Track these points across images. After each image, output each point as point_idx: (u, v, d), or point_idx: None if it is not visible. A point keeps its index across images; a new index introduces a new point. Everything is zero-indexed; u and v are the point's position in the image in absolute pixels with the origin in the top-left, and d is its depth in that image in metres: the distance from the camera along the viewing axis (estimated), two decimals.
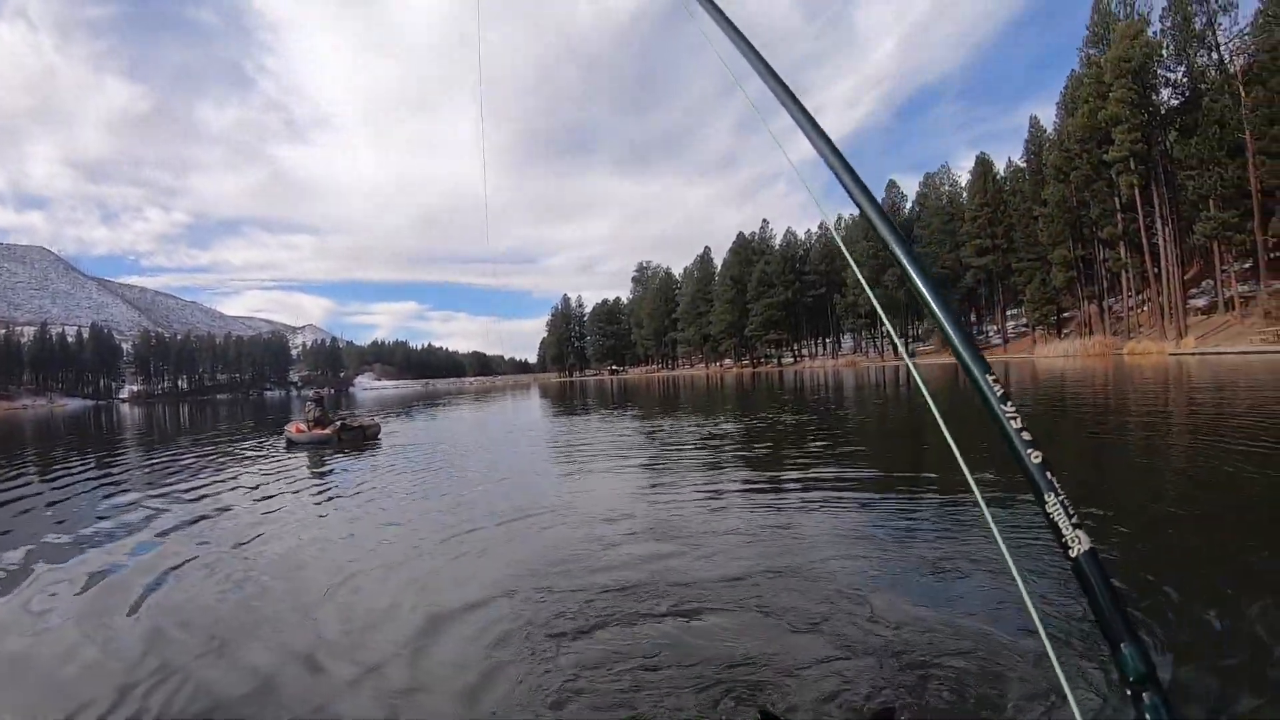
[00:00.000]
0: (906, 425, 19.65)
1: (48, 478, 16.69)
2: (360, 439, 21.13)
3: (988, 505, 1.48)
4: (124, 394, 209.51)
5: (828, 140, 1.73)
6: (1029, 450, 1.30)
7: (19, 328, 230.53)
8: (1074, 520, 1.25)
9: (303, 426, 21.31)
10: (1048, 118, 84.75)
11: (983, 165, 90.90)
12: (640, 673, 4.67)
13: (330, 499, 11.83)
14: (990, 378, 1.38)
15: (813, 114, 1.78)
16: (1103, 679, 3.75)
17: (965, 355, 1.42)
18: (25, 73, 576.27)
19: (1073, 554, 1.22)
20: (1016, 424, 1.33)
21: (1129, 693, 1.13)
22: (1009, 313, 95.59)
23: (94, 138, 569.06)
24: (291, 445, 20.62)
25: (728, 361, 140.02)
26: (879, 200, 1.65)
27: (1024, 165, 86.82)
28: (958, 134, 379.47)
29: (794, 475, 11.42)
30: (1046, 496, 1.26)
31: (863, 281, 2.20)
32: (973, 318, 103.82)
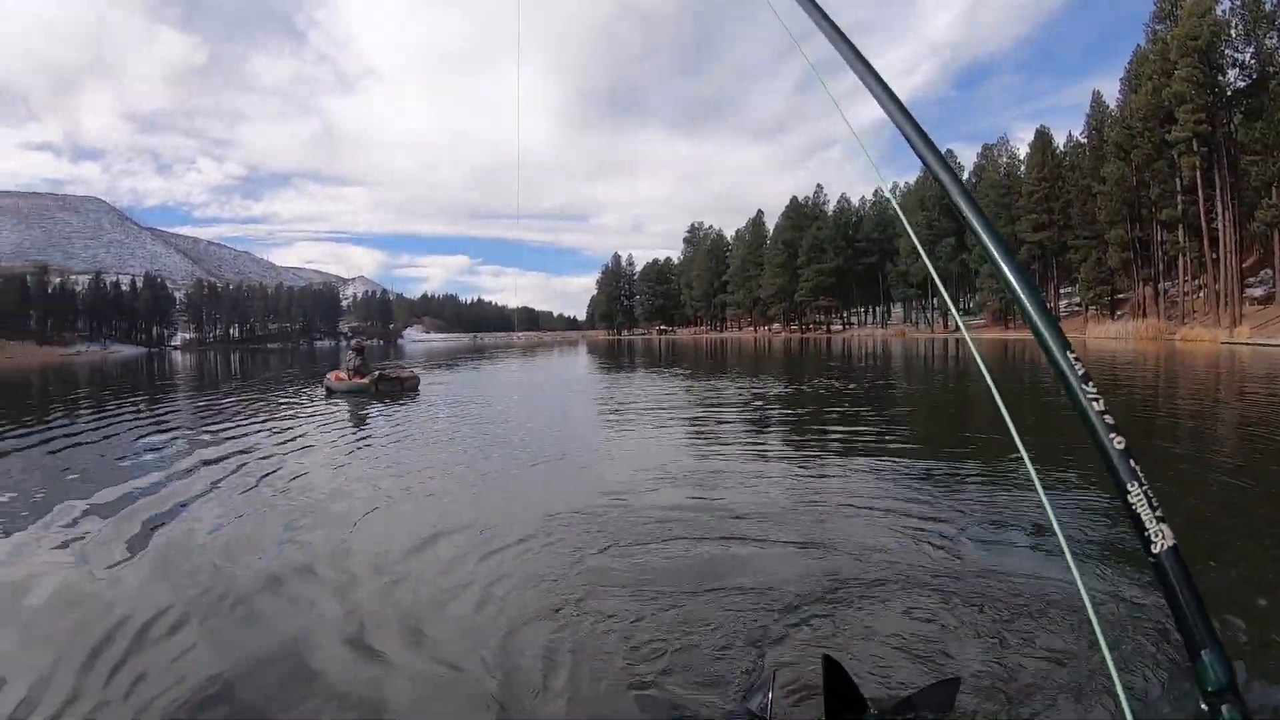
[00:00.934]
0: (958, 399, 19.89)
1: (98, 419, 17.71)
2: (398, 389, 21.78)
3: (1046, 490, 1.48)
4: (177, 341, 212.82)
5: (895, 99, 1.66)
6: (1111, 435, 1.24)
7: (74, 276, 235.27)
8: (1158, 513, 1.18)
9: (343, 375, 21.94)
10: (1111, 93, 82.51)
11: (1042, 139, 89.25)
12: (683, 604, 4.71)
13: (362, 442, 12.42)
14: (1071, 355, 1.32)
15: (879, 73, 1.71)
16: (1163, 686, 3.58)
17: (1044, 329, 1.36)
18: (80, 26, 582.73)
19: (1155, 550, 1.15)
20: (1099, 406, 1.27)
21: (1205, 706, 1.09)
22: (1062, 291, 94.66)
23: (148, 90, 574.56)
24: (330, 393, 21.39)
25: (776, 326, 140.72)
26: (951, 166, 1.63)
27: (1084, 141, 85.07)
28: (1018, 106, 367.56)
29: (842, 438, 11.64)
30: (1129, 486, 1.19)
31: (921, 251, 2.37)
32: None
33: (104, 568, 5.81)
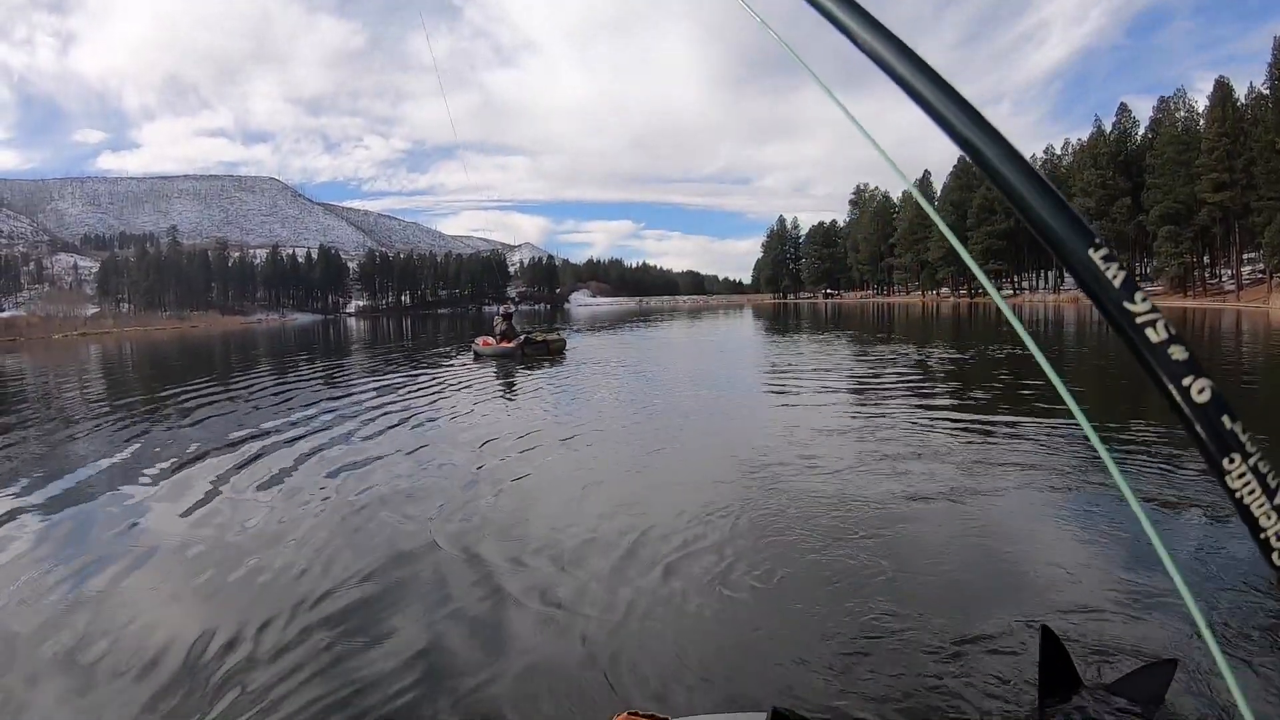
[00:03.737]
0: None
1: (274, 377, 20.82)
2: (544, 353, 23.24)
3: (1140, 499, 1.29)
4: (350, 309, 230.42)
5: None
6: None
7: (252, 250, 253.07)
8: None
9: (490, 340, 23.63)
10: None
11: (1222, 90, 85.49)
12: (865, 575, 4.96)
13: (506, 400, 13.86)
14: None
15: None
16: None
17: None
18: (244, 19, 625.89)
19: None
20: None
21: None
22: (1245, 256, 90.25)
23: (311, 74, 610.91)
24: (478, 357, 23.18)
25: (944, 290, 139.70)
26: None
27: (1266, 92, 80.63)
28: (1197, 54, 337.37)
29: (1037, 409, 11.48)
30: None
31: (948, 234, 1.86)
32: (1206, 259, 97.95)
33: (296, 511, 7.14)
